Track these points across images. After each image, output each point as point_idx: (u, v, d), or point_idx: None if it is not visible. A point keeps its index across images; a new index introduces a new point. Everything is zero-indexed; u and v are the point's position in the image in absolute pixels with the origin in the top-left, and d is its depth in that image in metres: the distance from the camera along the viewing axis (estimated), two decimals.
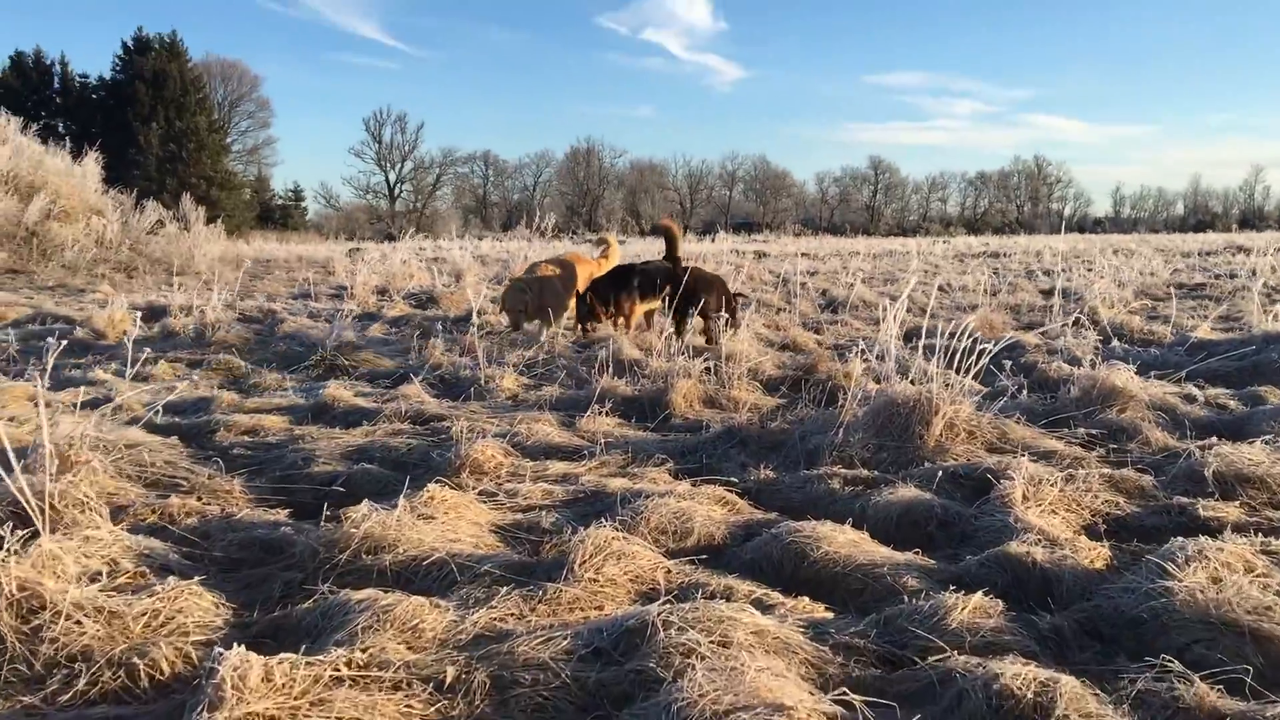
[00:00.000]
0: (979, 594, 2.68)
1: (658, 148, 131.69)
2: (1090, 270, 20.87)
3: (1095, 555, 3.12)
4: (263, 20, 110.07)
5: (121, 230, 23.30)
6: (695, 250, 27.55)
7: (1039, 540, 3.13)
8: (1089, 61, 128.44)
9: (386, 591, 2.66)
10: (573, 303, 8.82)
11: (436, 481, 3.53)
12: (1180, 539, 2.95)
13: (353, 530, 3.02)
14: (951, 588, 2.81)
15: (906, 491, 3.74)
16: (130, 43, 63.83)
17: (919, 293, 14.23)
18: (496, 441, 4.37)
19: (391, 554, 2.96)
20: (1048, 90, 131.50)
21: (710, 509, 3.60)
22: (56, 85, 66.41)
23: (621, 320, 8.74)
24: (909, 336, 9.54)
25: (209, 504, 3.71)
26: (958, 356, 4.75)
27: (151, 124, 60.74)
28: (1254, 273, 17.36)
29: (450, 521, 3.23)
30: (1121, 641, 2.60)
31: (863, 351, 6.44)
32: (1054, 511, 3.56)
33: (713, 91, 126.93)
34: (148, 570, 2.97)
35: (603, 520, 3.30)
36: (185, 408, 5.57)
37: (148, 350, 7.06)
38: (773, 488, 4.09)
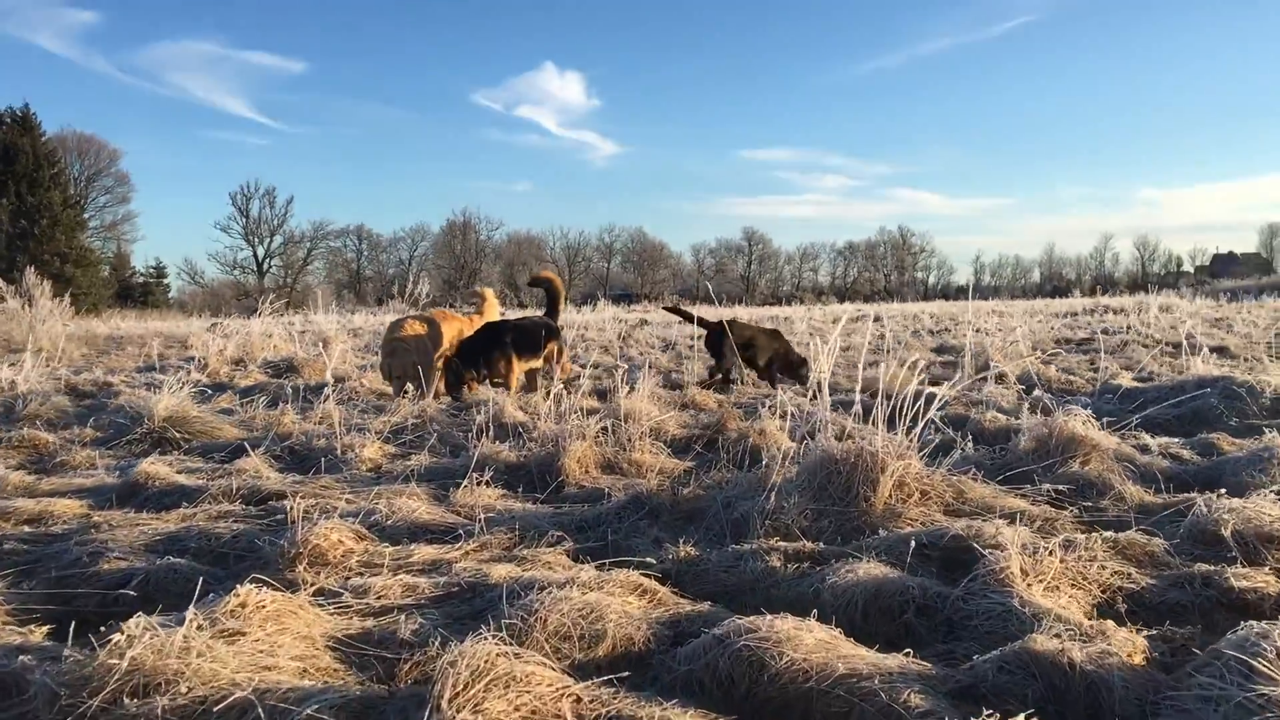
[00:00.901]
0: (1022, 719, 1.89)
1: (535, 220, 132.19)
2: (976, 330, 20.92)
3: (1132, 647, 2.38)
4: (124, 96, 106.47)
5: None
6: (577, 319, 26.82)
7: (1067, 631, 2.37)
8: (948, 139, 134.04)
9: None
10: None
11: (253, 580, 2.57)
12: (1254, 624, 2.22)
13: (113, 661, 2.07)
14: (976, 709, 2.01)
15: (870, 568, 2.95)
16: None
17: (810, 352, 13.75)
18: (346, 523, 3.43)
19: (170, 695, 2.01)
20: (910, 166, 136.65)
21: (625, 601, 2.75)
22: None
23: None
24: (813, 396, 8.93)
25: None
26: (887, 411, 4.04)
27: (1, 200, 57.62)
28: (1128, 328, 17.51)
29: (268, 638, 2.29)
30: None
31: (777, 407, 5.73)
32: (1057, 588, 2.82)
33: (589, 166, 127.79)
34: None
35: (484, 626, 2.42)
36: None
37: None
38: (697, 568, 3.26)
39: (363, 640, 2.47)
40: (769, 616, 2.41)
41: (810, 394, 4.32)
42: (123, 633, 2.09)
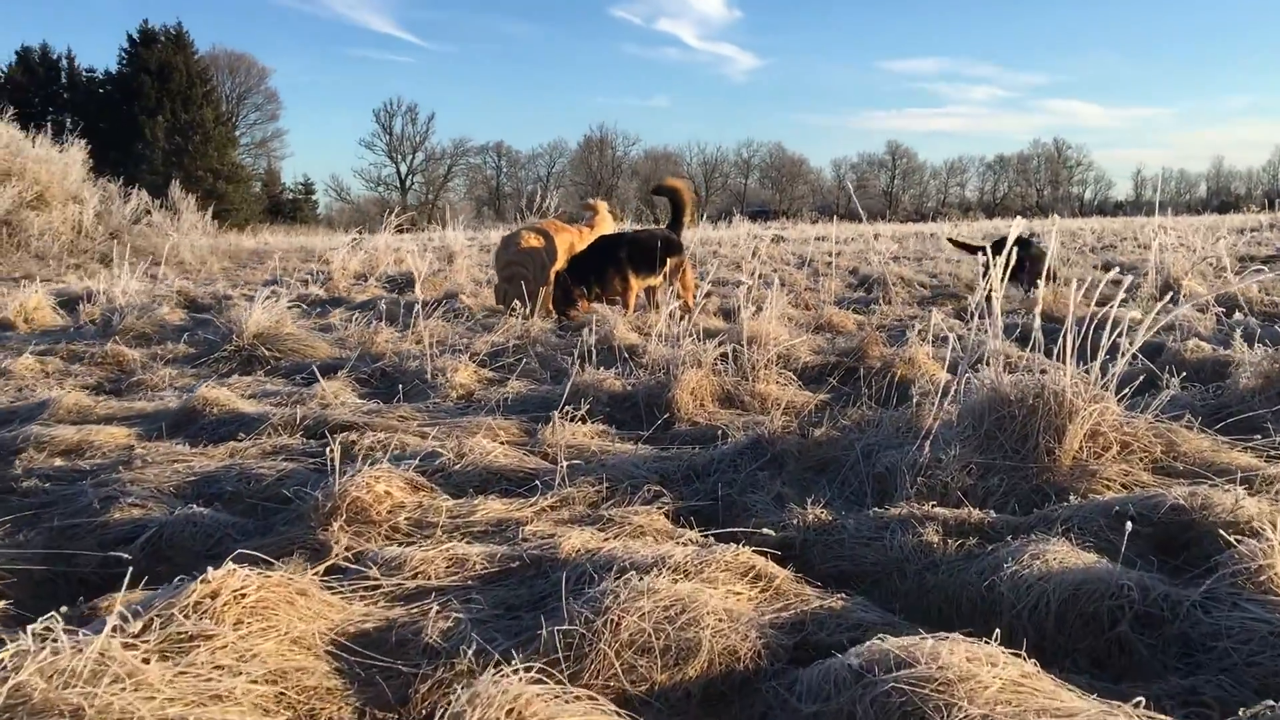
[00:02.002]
0: None
1: (672, 136, 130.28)
2: (1141, 245, 19.20)
3: None
4: (273, 14, 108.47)
5: (98, 219, 21.91)
6: (711, 235, 25.95)
7: None
8: (1105, 46, 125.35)
9: None
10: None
11: (237, 562, 1.95)
12: None
13: None
14: None
15: (1062, 552, 2.19)
16: (135, 35, 62.65)
17: (963, 270, 12.62)
18: (400, 470, 2.83)
19: None
20: (1065, 75, 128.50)
21: (730, 592, 2.07)
22: (63, 80, 65.38)
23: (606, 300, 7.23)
24: (960, 316, 7.99)
25: None
26: (1075, 340, 3.20)
27: (157, 117, 59.63)
28: None
29: (239, 643, 1.70)
30: None
31: (929, 330, 4.92)
32: None
33: (728, 80, 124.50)
34: None
35: (539, 629, 1.78)
36: (11, 416, 4.07)
37: (11, 340, 5.60)
38: (829, 538, 2.55)
39: (376, 643, 1.86)
40: (929, 640, 1.68)
41: (972, 314, 3.50)
42: (7, 645, 1.51)
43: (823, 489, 3.00)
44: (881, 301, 8.29)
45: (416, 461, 2.96)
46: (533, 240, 7.30)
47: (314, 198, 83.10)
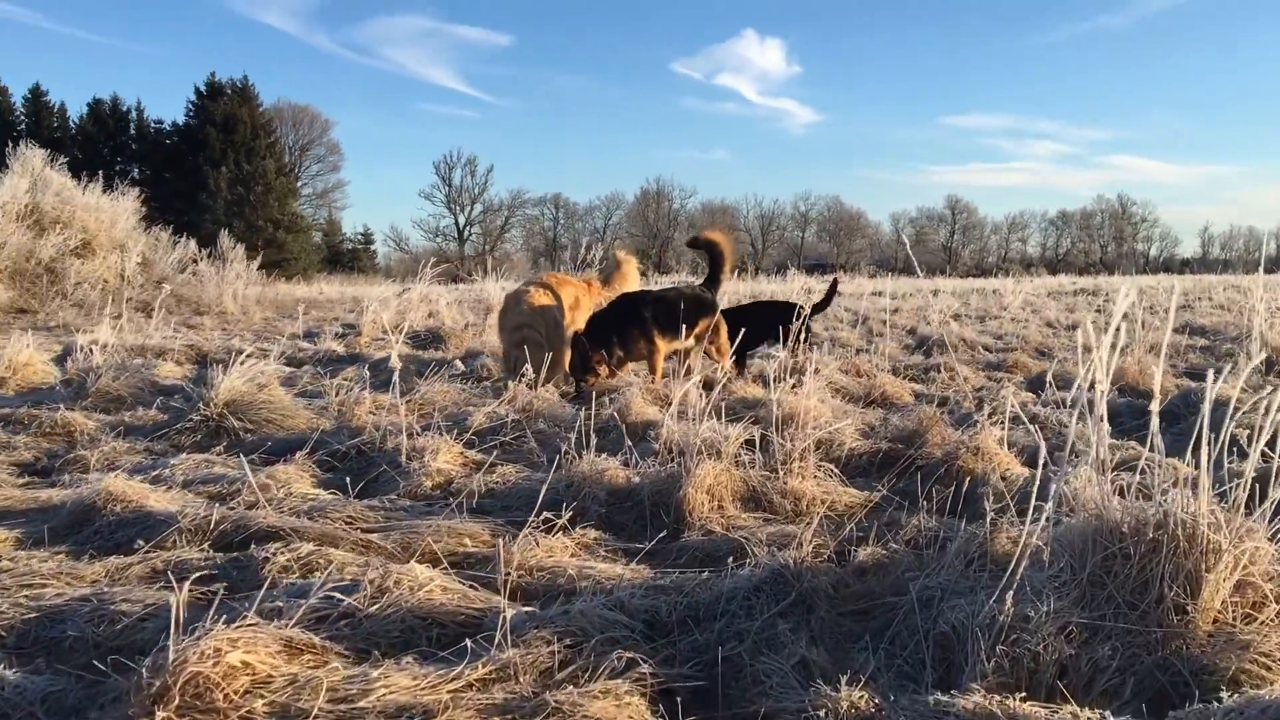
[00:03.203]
0: None
1: (729, 189, 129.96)
2: (1219, 306, 18.08)
3: None
4: (340, 68, 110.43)
5: (143, 268, 21.76)
6: (764, 290, 25.21)
7: None
8: (1171, 102, 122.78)
9: None
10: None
11: None
12: None
13: None
14: None
15: None
16: (203, 88, 63.97)
17: (1032, 331, 11.71)
18: (272, 626, 2.06)
19: None
20: (1130, 131, 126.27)
21: None
22: (132, 131, 66.85)
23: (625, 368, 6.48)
24: (1034, 388, 7.13)
25: None
26: (1196, 432, 2.38)
27: (221, 168, 60.61)
28: None
29: None
30: None
31: (1002, 411, 4.12)
32: None
33: (786, 134, 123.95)
34: None
35: None
36: None
37: None
38: None
39: None
40: None
41: (1059, 393, 2.69)
42: None
43: (865, 652, 2.20)
44: (943, 370, 7.44)
45: (314, 601, 2.21)
46: (542, 297, 6.58)
47: (373, 248, 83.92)
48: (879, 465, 4.09)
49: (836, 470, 3.78)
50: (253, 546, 2.79)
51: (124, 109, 66.02)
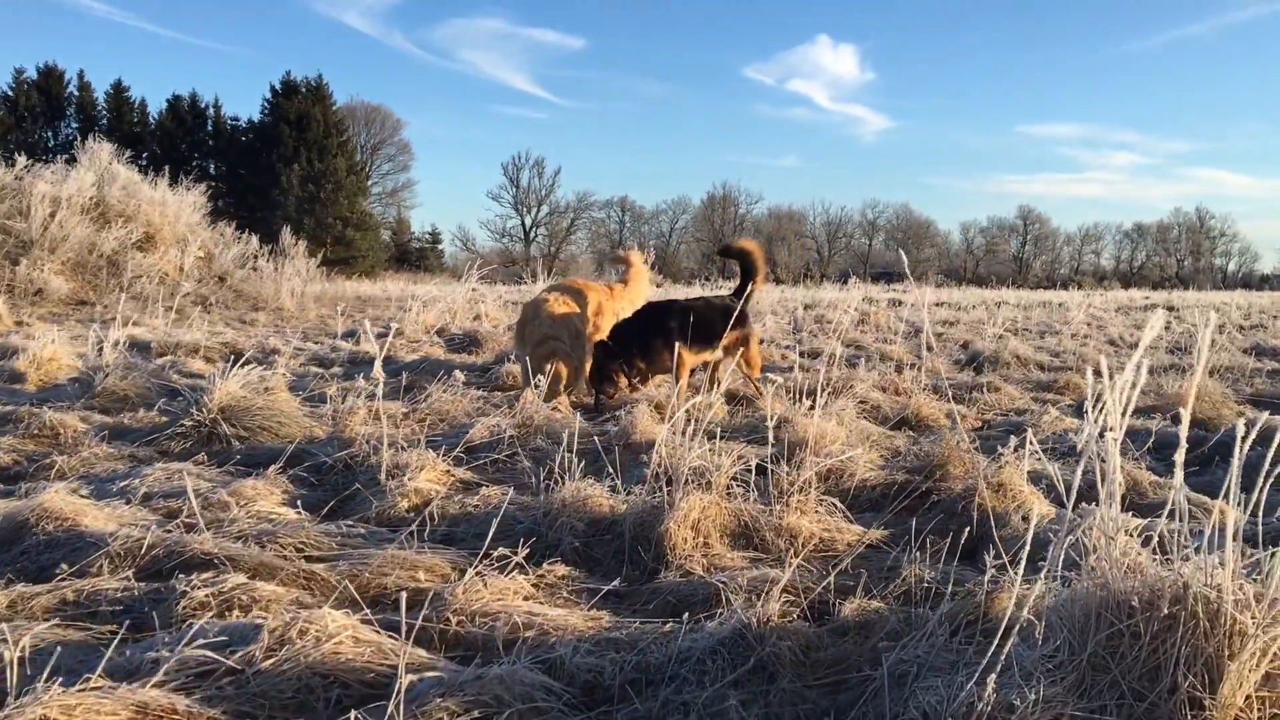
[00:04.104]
0: None
1: (796, 195, 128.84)
2: None
3: None
4: (414, 69, 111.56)
5: (204, 263, 21.99)
6: (821, 298, 24.69)
7: None
8: (1254, 114, 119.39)
9: None
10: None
11: None
12: None
13: None
14: None
15: None
16: (278, 86, 65.03)
17: (1091, 349, 11.19)
18: (131, 688, 1.82)
19: None
20: (1210, 143, 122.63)
21: None
22: (209, 128, 68.16)
23: (644, 383, 6.18)
24: (1082, 411, 6.71)
25: None
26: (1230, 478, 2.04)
27: (293, 165, 61.51)
28: None
29: None
30: None
31: (1028, 444, 3.76)
32: None
33: (857, 141, 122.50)
34: None
35: None
36: None
37: None
38: None
39: None
40: None
41: (1098, 415, 2.33)
42: None
43: None
44: (986, 389, 7.04)
45: (192, 652, 1.97)
46: (563, 306, 6.32)
47: (440, 247, 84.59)
48: (892, 498, 3.76)
49: (841, 505, 3.46)
50: (178, 576, 2.56)
51: (202, 105, 67.36)
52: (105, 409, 5.46)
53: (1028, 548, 2.11)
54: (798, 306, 19.87)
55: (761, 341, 11.32)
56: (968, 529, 3.16)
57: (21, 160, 20.64)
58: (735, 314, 6.05)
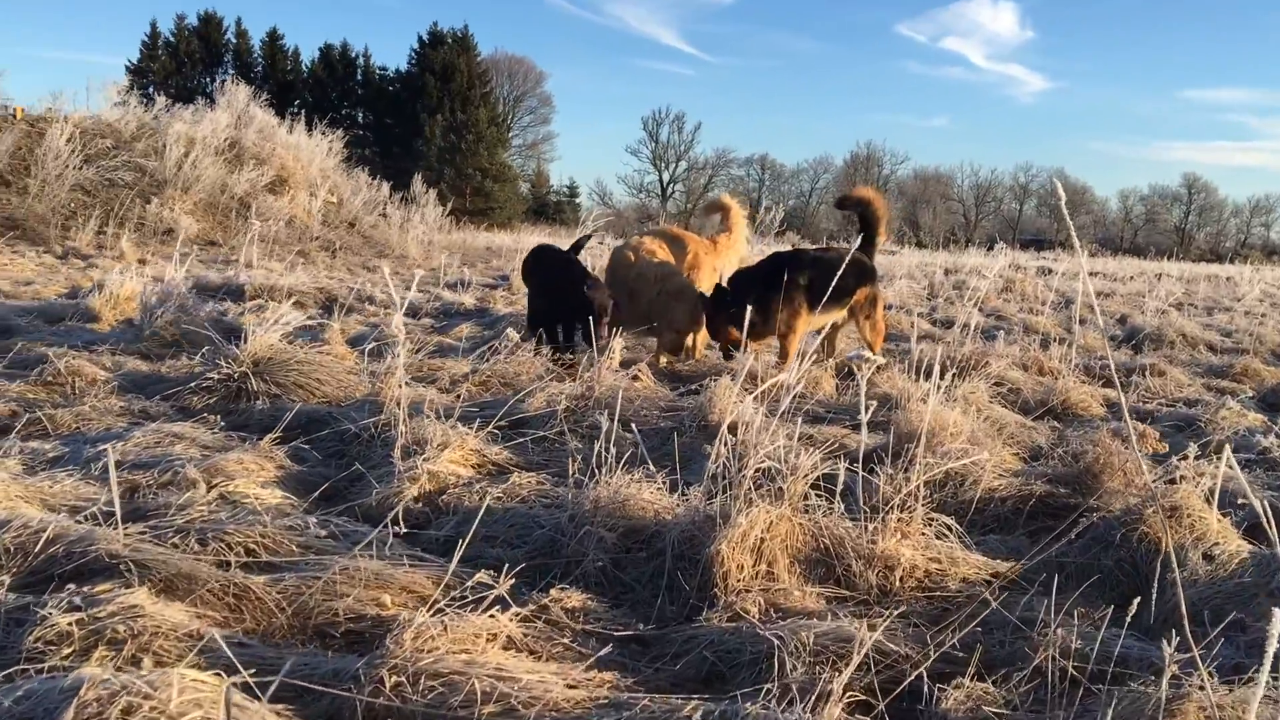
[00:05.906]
0: None
1: (944, 156, 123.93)
2: None
3: None
4: (561, 21, 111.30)
5: (334, 207, 22.02)
6: (961, 263, 23.20)
7: None
8: None
9: None
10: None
11: None
12: None
13: None
14: None
15: None
16: (425, 37, 65.66)
17: (1269, 330, 9.84)
18: None
19: None
20: None
21: None
22: (359, 78, 69.36)
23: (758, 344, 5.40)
24: (1268, 404, 5.64)
25: None
26: None
27: (437, 116, 62.07)
28: None
29: None
30: None
31: (1225, 455, 2.91)
32: None
33: (1013, 102, 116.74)
34: None
35: None
36: None
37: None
38: None
39: None
40: None
41: None
42: None
43: None
44: (1149, 372, 6.02)
45: None
46: (657, 251, 5.60)
47: (577, 201, 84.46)
48: (1027, 516, 2.93)
49: (957, 525, 2.65)
50: (68, 588, 1.96)
51: (353, 55, 68.48)
52: (148, 354, 5.01)
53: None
54: (937, 270, 18.61)
55: (889, 307, 10.36)
56: (1130, 557, 2.34)
57: (161, 100, 20.92)
58: (868, 270, 5.21)
